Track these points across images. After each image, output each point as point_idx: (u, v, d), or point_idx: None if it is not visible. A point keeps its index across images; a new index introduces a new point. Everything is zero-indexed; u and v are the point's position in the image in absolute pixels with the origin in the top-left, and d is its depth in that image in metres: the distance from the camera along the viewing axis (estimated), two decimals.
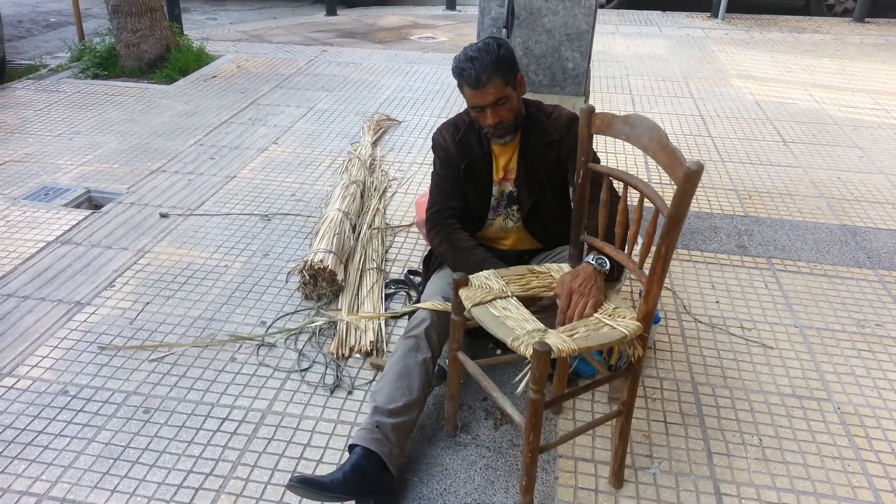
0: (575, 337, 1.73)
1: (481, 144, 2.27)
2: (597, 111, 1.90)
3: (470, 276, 1.95)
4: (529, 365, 1.66)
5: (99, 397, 2.33)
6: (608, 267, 1.95)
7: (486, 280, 1.95)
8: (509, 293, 1.92)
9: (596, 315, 1.86)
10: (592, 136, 1.92)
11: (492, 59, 2.05)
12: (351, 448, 1.96)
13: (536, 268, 2.07)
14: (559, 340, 1.69)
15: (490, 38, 2.10)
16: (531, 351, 1.62)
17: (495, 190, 2.33)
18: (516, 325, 1.77)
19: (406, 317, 2.76)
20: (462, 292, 1.89)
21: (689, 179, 1.57)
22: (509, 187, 2.33)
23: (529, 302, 1.95)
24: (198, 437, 2.18)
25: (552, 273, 2.05)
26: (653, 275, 1.73)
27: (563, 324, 1.86)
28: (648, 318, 1.80)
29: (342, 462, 1.97)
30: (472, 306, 1.84)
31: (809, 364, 2.57)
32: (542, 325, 1.78)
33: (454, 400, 2.13)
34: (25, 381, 2.39)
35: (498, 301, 1.88)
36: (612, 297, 1.95)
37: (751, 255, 3.30)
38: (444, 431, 2.21)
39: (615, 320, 1.82)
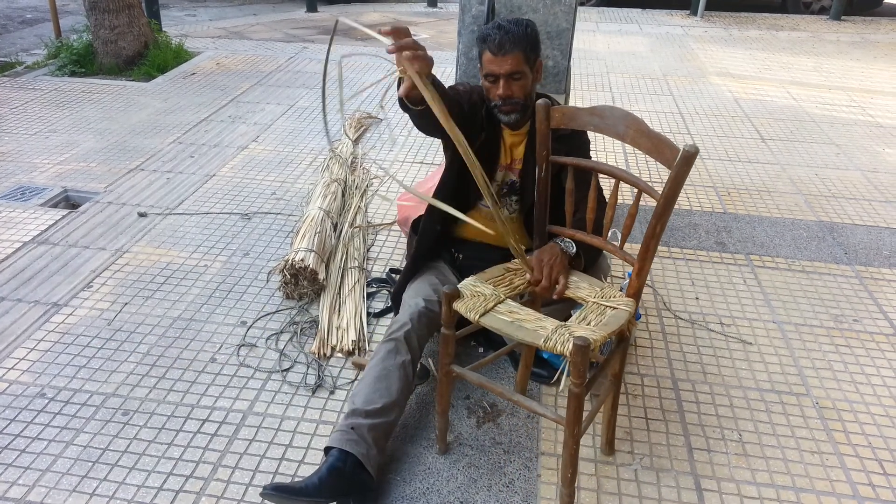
0: (594, 326, 1.80)
1: (493, 125, 2.25)
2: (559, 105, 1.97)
3: (458, 287, 1.93)
4: (567, 361, 1.70)
5: (77, 399, 2.30)
6: (574, 250, 2.04)
7: (475, 287, 1.94)
8: (502, 296, 1.92)
9: (592, 300, 1.92)
10: (550, 130, 1.98)
11: (519, 31, 2.07)
12: (327, 451, 1.95)
13: (511, 265, 2.08)
14: (588, 332, 1.75)
15: (522, 19, 2.13)
16: (571, 347, 1.65)
17: (498, 175, 2.30)
18: (536, 327, 1.79)
19: (387, 315, 2.76)
20: (458, 305, 1.86)
21: (686, 162, 1.68)
22: (512, 176, 2.31)
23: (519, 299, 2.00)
24: (178, 439, 2.16)
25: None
26: (646, 252, 1.83)
27: (541, 295, 1.98)
28: (639, 293, 1.93)
29: (319, 465, 1.97)
30: (479, 317, 1.83)
31: (788, 359, 2.60)
32: (556, 321, 1.82)
33: (445, 416, 2.09)
34: (1, 384, 2.35)
35: (500, 306, 1.88)
36: (590, 281, 2.02)
37: (730, 251, 3.33)
38: (435, 449, 2.15)
39: (611, 301, 1.90)
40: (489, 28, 2.10)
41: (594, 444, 2.17)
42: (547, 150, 1.99)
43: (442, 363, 1.98)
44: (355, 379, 2.42)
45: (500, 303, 1.89)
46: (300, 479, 1.87)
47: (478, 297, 1.90)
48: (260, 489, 1.97)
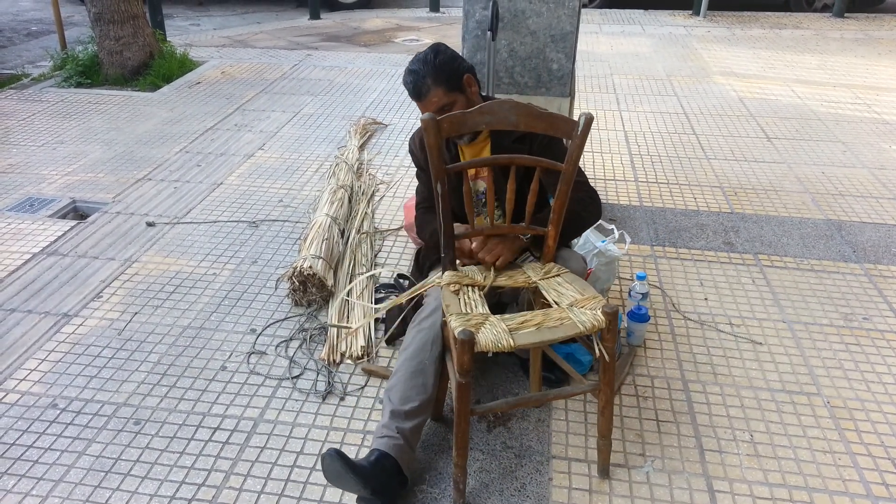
0: (575, 293, 1.97)
1: (448, 148, 2.24)
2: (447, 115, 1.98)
3: (448, 322, 1.88)
4: (597, 336, 1.89)
5: (88, 409, 2.31)
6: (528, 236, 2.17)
7: (468, 320, 1.87)
8: (488, 313, 1.92)
9: (538, 279, 2.06)
10: (442, 142, 1.93)
11: (429, 69, 2.08)
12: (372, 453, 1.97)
13: (450, 280, 2.07)
14: (589, 301, 1.93)
15: (429, 48, 2.12)
16: (601, 316, 1.83)
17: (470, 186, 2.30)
18: (557, 322, 1.87)
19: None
20: (484, 345, 1.78)
21: (587, 126, 1.90)
22: (482, 185, 2.30)
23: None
24: (189, 448, 2.17)
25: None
26: (558, 218, 2.03)
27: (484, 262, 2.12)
28: (551, 255, 2.13)
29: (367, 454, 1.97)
30: (514, 343, 1.80)
31: (798, 359, 2.59)
32: (560, 308, 1.92)
33: (462, 468, 1.95)
34: (14, 395, 2.37)
35: (507, 322, 1.86)
36: (527, 267, 2.15)
37: (738, 251, 3.32)
38: (449, 455, 2.11)
39: (552, 272, 2.08)
40: (405, 74, 2.12)
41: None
42: (443, 162, 1.94)
43: (461, 411, 1.84)
44: (365, 385, 2.42)
45: (494, 318, 1.89)
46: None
47: (486, 325, 1.86)
48: (273, 495, 1.99)
